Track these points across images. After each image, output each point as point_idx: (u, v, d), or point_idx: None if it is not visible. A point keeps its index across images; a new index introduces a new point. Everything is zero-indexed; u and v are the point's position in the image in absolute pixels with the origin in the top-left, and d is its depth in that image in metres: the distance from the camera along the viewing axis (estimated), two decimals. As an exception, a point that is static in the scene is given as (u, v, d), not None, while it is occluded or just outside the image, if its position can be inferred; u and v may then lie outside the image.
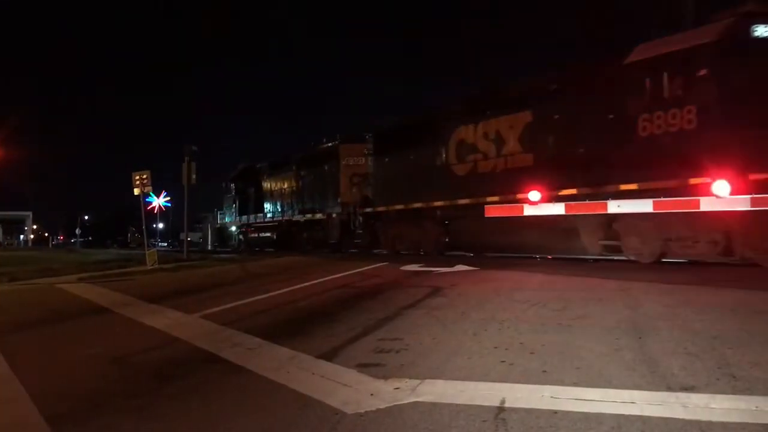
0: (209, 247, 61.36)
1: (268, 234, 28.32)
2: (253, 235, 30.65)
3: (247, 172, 31.26)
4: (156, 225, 74.76)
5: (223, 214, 34.78)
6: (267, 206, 28.32)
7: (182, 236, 39.32)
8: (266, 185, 28.60)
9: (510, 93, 14.18)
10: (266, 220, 28.35)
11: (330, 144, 23.25)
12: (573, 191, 11.70)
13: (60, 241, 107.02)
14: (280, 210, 26.91)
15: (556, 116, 12.40)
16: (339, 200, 21.48)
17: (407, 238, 17.38)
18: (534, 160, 12.83)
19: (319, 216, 22.95)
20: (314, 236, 23.49)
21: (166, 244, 79.18)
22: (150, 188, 18.81)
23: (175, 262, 18.26)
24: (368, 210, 19.22)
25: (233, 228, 33.65)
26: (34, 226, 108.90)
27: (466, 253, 15.32)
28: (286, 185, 26.49)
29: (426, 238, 16.48)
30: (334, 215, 21.64)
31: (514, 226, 12.93)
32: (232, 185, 32.50)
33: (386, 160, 18.42)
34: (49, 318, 8.23)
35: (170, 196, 45.18)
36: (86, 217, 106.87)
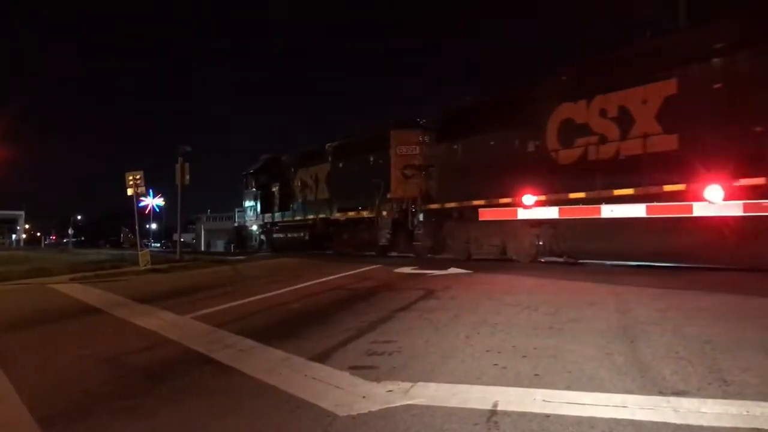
0: (202, 248, 61.24)
1: (298, 234, 24.88)
2: (278, 235, 26.97)
3: (271, 165, 27.64)
4: (149, 226, 74.59)
5: (242, 212, 30.73)
6: (296, 203, 24.84)
7: (175, 237, 39.09)
8: (295, 179, 24.93)
9: (642, 57, 11.17)
10: (296, 218, 24.80)
11: (377, 131, 19.92)
12: (759, 181, 9.08)
13: (52, 241, 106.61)
14: (313, 207, 23.41)
15: (717, 85, 9.62)
16: (389, 196, 18.35)
17: (488, 240, 14.16)
18: (679, 143, 10.09)
19: (365, 214, 19.64)
20: (358, 237, 20.38)
21: (159, 244, 79.05)
22: (143, 189, 18.75)
23: (167, 263, 18.19)
24: (433, 207, 15.84)
25: (254, 227, 29.66)
26: (27, 226, 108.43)
27: (579, 261, 12.28)
28: (320, 179, 23.01)
29: (516, 241, 13.47)
30: (385, 213, 18.47)
31: (675, 226, 10.15)
32: (254, 180, 28.79)
33: (455, 147, 15.15)
34: (41, 318, 8.19)
35: (164, 198, 44.95)
36: (79, 217, 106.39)
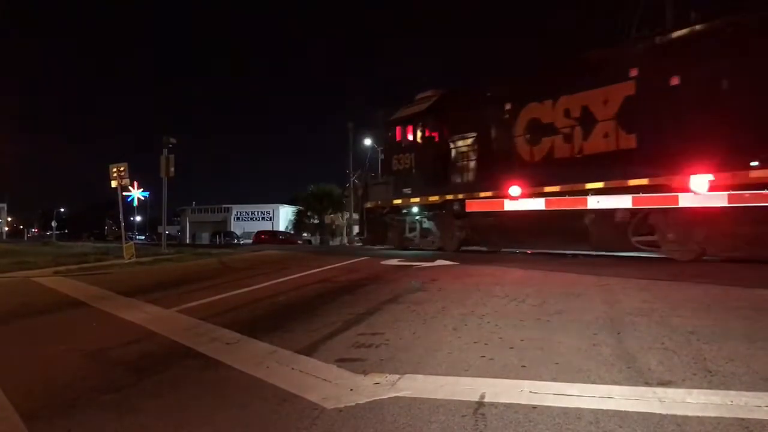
0: (188, 241, 60.82)
1: (545, 223, 12.74)
2: (484, 221, 14.67)
3: (449, 105, 16.77)
4: (134, 218, 74.13)
5: (383, 185, 19.22)
6: (525, 165, 13.43)
7: (160, 229, 38.81)
8: (516, 123, 13.89)
9: None
10: (536, 191, 12.80)
11: None
12: None
13: (35, 234, 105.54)
14: (579, 170, 12.00)
15: None
16: None
17: None
18: None
19: None
20: None
21: (143, 237, 78.64)
22: (128, 180, 18.60)
23: (152, 256, 18.10)
24: None
25: (414, 209, 17.73)
26: (9, 218, 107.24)
27: None
28: (595, 115, 11.87)
29: None
30: None
31: None
32: (415, 130, 17.65)
33: None
34: (24, 312, 8.09)
35: (149, 190, 44.70)
36: (62, 210, 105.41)
